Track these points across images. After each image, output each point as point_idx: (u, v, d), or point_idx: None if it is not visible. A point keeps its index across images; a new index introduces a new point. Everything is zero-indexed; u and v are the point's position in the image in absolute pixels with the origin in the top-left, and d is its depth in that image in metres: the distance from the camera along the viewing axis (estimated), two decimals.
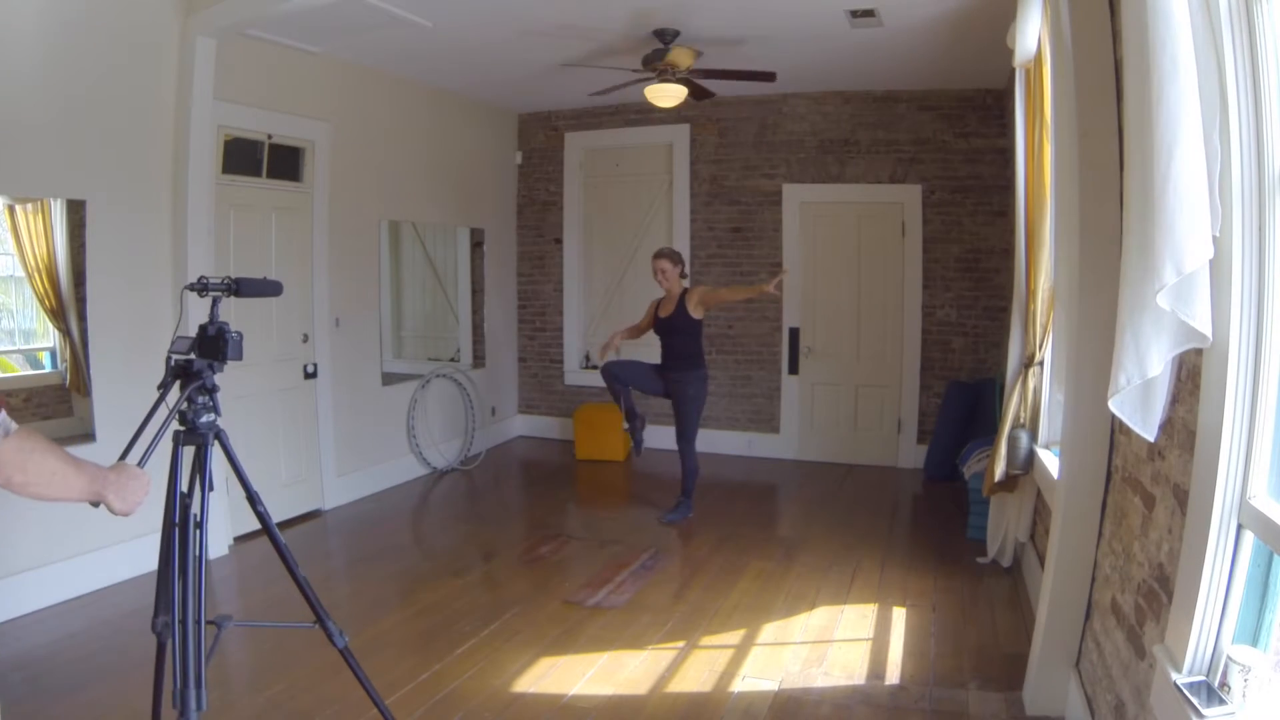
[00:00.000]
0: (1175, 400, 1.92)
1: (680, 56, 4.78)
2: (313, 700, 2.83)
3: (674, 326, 4.99)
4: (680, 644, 3.34)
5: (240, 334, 2.04)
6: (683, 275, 5.11)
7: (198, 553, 1.91)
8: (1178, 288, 1.56)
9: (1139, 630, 2.04)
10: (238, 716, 2.76)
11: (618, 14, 4.46)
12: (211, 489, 1.98)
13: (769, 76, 5.03)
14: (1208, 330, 1.58)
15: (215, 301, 2.08)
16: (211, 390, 2.02)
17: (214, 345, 2.01)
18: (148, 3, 3.99)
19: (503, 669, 3.10)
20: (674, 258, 5.04)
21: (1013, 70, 3.91)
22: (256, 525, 4.52)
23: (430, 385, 6.20)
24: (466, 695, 2.90)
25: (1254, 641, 1.63)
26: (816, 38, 4.85)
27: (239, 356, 2.02)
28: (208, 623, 1.95)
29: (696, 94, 5.22)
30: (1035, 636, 2.85)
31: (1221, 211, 1.58)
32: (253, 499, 2.15)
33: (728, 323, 6.72)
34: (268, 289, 2.26)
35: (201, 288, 2.05)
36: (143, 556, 3.98)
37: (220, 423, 2.06)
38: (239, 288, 2.12)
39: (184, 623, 1.84)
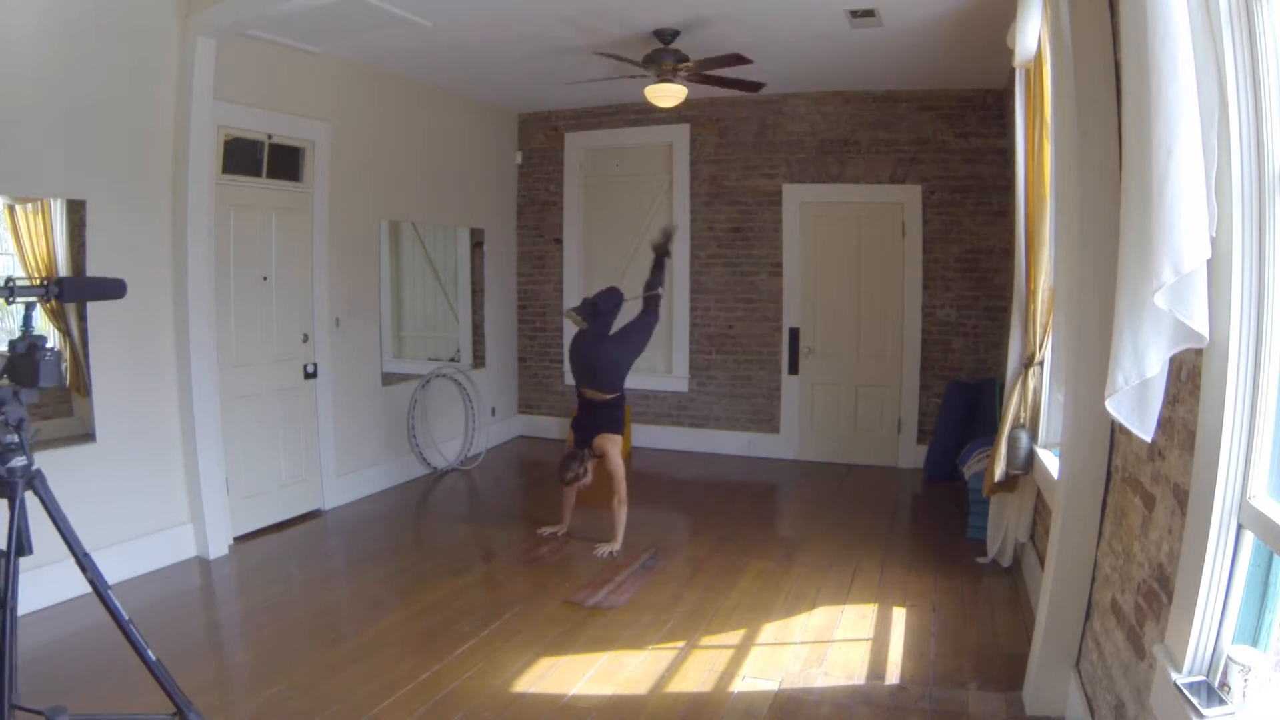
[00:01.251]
0: (1174, 400, 1.92)
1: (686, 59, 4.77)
2: (313, 700, 2.82)
3: None
4: (680, 644, 3.34)
5: (56, 351, 1.60)
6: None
7: (7, 631, 1.51)
8: (1176, 287, 1.56)
9: (1139, 630, 2.04)
10: (237, 716, 2.76)
11: (618, 12, 4.46)
12: (27, 552, 1.56)
13: (755, 87, 5.01)
14: (1205, 330, 1.58)
15: (29, 309, 1.62)
16: (17, 425, 1.56)
17: (23, 367, 1.57)
18: (148, 3, 3.99)
19: (503, 669, 3.10)
20: None
21: (1013, 70, 3.91)
22: (257, 525, 4.65)
23: (430, 385, 6.20)
24: (466, 695, 2.90)
25: (1254, 641, 1.63)
26: (816, 38, 4.85)
27: (56, 380, 1.61)
28: (31, 712, 1.60)
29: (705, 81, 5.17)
30: (1035, 636, 2.85)
31: (1218, 212, 1.58)
32: (82, 565, 1.76)
33: (728, 323, 6.72)
34: (105, 290, 1.82)
35: (8, 292, 1.58)
36: (143, 557, 4.00)
37: (36, 467, 1.61)
38: (62, 290, 1.68)
39: None
